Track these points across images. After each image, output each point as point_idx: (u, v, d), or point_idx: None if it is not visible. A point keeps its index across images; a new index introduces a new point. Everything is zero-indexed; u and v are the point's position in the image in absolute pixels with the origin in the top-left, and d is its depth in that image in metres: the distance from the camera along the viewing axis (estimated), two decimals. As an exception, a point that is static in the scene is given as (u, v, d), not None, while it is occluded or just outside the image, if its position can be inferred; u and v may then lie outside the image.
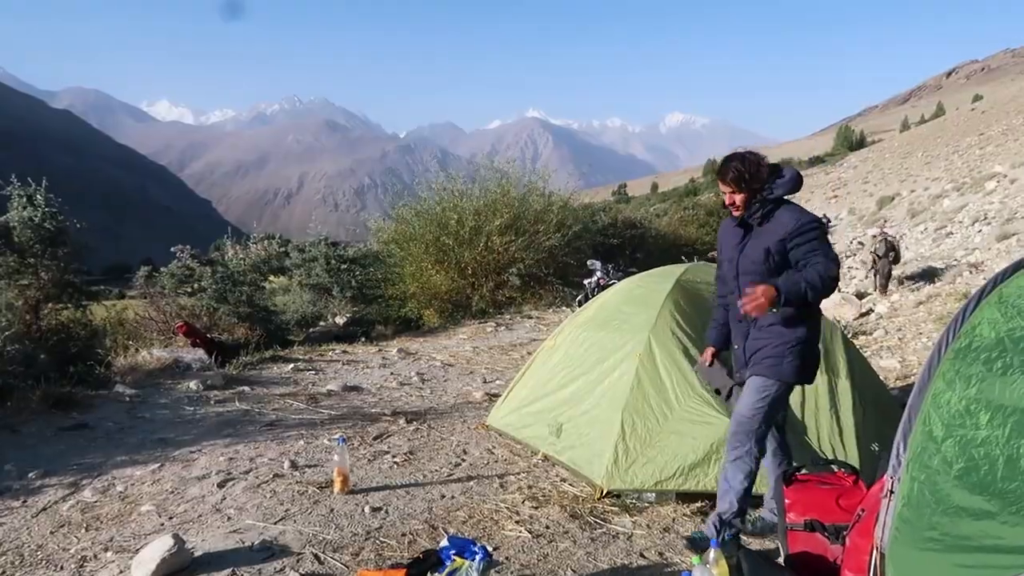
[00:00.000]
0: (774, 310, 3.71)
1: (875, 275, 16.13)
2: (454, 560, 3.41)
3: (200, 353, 9.74)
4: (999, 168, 33.37)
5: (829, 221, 41.90)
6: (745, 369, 4.01)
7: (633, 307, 5.89)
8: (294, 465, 5.40)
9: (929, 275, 16.50)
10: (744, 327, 4.04)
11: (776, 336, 3.88)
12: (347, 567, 3.82)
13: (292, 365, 9.47)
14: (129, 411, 6.99)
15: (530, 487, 5.03)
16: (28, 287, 9.61)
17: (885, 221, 29.43)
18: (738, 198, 3.90)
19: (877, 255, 16.08)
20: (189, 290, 13.44)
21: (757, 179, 3.86)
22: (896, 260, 16.31)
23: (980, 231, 21.74)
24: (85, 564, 3.90)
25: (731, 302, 4.08)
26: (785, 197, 3.98)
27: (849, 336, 8.34)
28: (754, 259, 3.90)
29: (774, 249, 3.82)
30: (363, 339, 12.79)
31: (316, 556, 3.94)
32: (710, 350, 4.38)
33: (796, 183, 3.93)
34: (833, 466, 3.94)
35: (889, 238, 16.29)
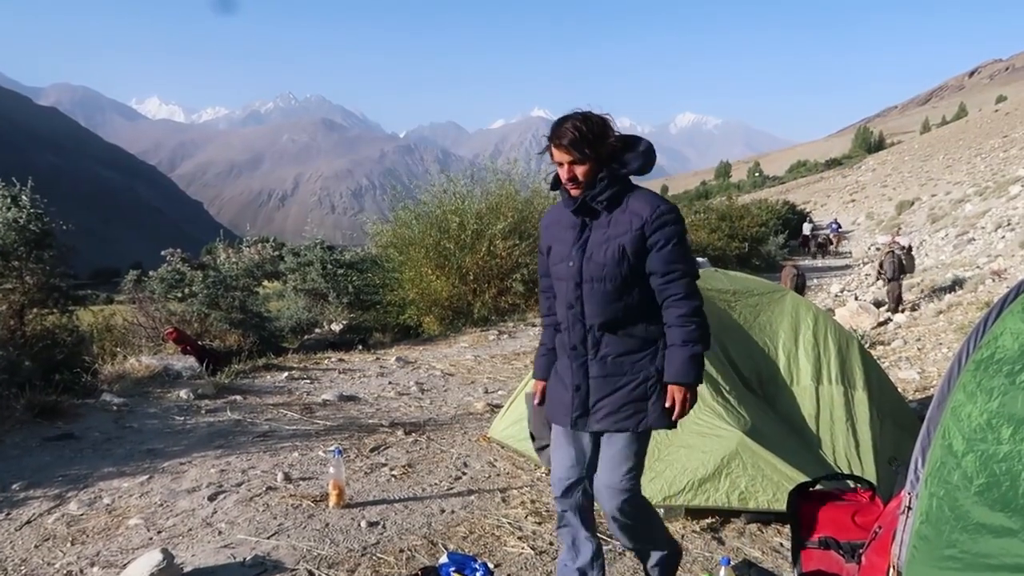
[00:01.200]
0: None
1: (886, 295, 15.66)
2: (454, 577, 3.41)
3: (191, 361, 9.75)
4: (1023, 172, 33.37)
5: (839, 227, 41.90)
6: (587, 418, 3.18)
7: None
8: (288, 478, 5.40)
9: (950, 283, 16.47)
10: (582, 359, 3.18)
11: (632, 370, 3.12)
12: (342, 584, 3.82)
13: (286, 374, 9.48)
14: (117, 421, 7.00)
15: (533, 502, 5.03)
16: (12, 291, 9.63)
17: (899, 228, 29.39)
18: (579, 170, 3.06)
19: (885, 277, 15.42)
20: (179, 295, 13.44)
21: (604, 144, 3.06)
22: (907, 270, 15.85)
23: (1003, 237, 21.70)
24: (70, 579, 3.91)
25: (569, 321, 3.20)
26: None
27: (866, 346, 8.35)
28: (603, 261, 3.09)
29: (630, 248, 3.05)
30: (360, 347, 12.80)
31: (310, 572, 3.94)
32: (540, 385, 3.50)
33: (650, 158, 3.16)
34: (849, 481, 3.93)
35: (898, 252, 15.56)
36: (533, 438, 3.88)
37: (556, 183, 3.20)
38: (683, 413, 3.10)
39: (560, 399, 3.28)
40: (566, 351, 3.25)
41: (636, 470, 3.18)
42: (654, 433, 4.90)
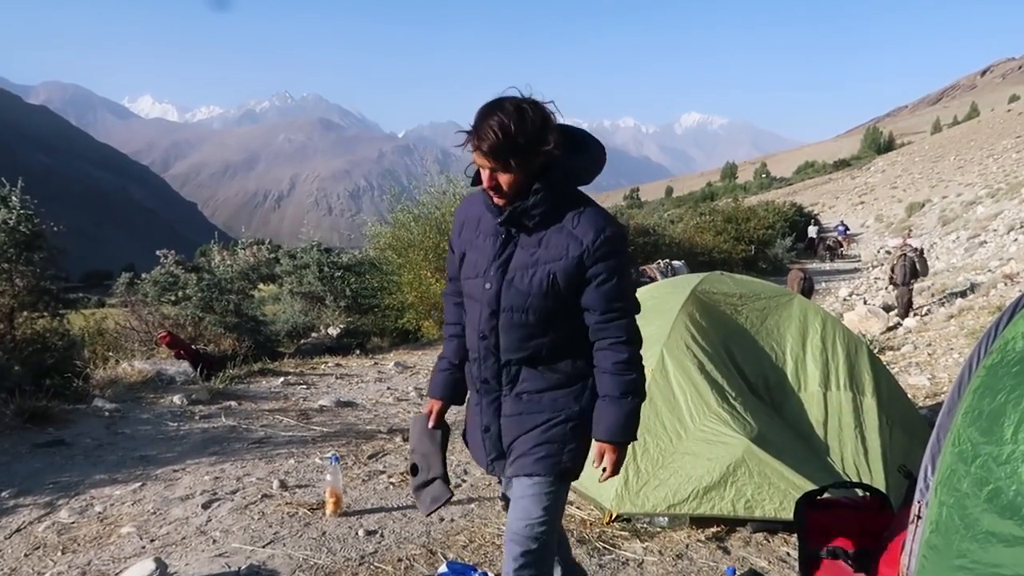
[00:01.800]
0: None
1: (895, 299, 15.58)
2: (453, 587, 3.40)
3: (184, 365, 9.77)
4: (1037, 173, 33.39)
5: (847, 230, 41.90)
6: (502, 461, 2.80)
7: (645, 319, 5.83)
8: (284, 485, 5.41)
9: (961, 287, 16.47)
10: (494, 395, 2.77)
11: (552, 407, 2.72)
12: (339, 594, 3.83)
13: (282, 379, 9.49)
14: (108, 427, 7.01)
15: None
16: (1, 294, 9.63)
17: (910, 231, 29.38)
18: (504, 179, 2.53)
19: (895, 281, 15.32)
20: (173, 298, 13.47)
21: (539, 149, 2.48)
22: (920, 273, 15.74)
23: (1016, 240, 21.71)
24: (61, 589, 3.91)
25: (481, 352, 2.76)
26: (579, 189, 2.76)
27: (875, 351, 8.35)
28: (527, 289, 2.62)
29: (563, 278, 2.59)
30: (358, 351, 12.82)
31: (307, 582, 3.94)
32: (435, 404, 3.00)
33: (599, 164, 2.71)
34: (858, 489, 3.94)
35: (910, 255, 15.44)
36: (414, 471, 2.98)
37: (478, 178, 2.65)
38: (614, 474, 2.72)
39: (475, 439, 2.90)
40: (475, 384, 2.83)
41: (549, 521, 2.71)
42: (658, 440, 4.97)
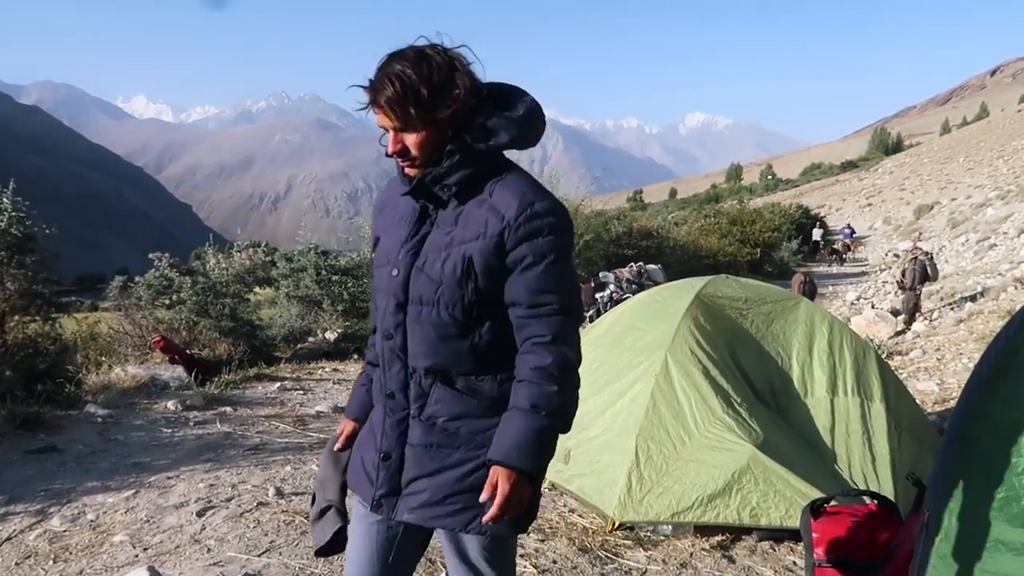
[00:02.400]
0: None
1: (901, 304, 15.44)
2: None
3: (179, 371, 9.76)
4: (1048, 174, 33.41)
5: (854, 232, 41.91)
6: (395, 499, 2.28)
7: (648, 323, 5.91)
8: (280, 492, 5.40)
9: (970, 291, 16.47)
10: (400, 414, 2.29)
11: (471, 443, 2.23)
12: (336, 604, 3.82)
13: (278, 384, 9.49)
14: (101, 433, 7.01)
15: (536, 518, 5.03)
16: (-7, 298, 9.63)
17: (921, 234, 29.38)
18: (410, 139, 2.14)
19: (904, 285, 15.15)
20: (167, 302, 13.44)
21: (447, 101, 2.08)
22: (930, 278, 15.59)
23: (1027, 243, 21.72)
24: (53, 598, 3.91)
25: (386, 356, 2.31)
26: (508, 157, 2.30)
27: (883, 356, 8.35)
28: (439, 276, 2.18)
29: (481, 261, 2.15)
30: (356, 356, 12.80)
31: (303, 591, 3.94)
32: (347, 425, 2.54)
33: (531, 124, 2.21)
34: (865, 497, 3.94)
35: (921, 258, 15.25)
36: (313, 500, 2.58)
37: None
38: (505, 512, 2.07)
39: (365, 462, 2.37)
40: (380, 397, 2.35)
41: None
42: (661, 447, 4.96)
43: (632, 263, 15.04)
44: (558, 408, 2.13)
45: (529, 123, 2.19)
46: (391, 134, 2.15)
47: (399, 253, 2.26)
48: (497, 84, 2.23)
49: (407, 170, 2.22)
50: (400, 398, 2.27)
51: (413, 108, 2.05)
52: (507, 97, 2.21)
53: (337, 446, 2.52)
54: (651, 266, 14.86)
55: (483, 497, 2.08)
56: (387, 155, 2.21)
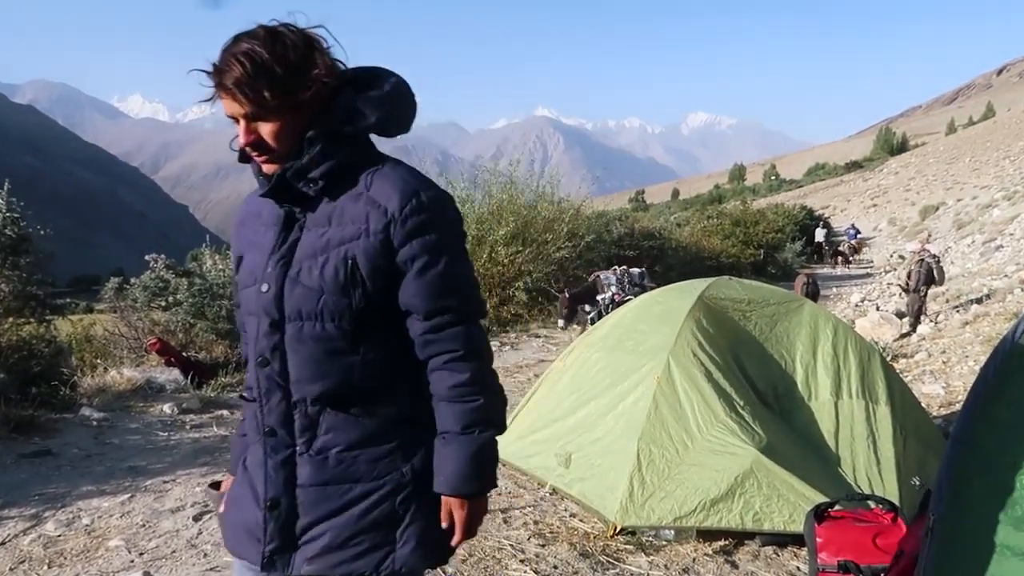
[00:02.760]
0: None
1: (906, 306, 15.30)
2: (452, 602, 3.37)
3: (175, 373, 9.76)
4: (1055, 175, 33.43)
5: (859, 233, 41.93)
6: (289, 554, 1.99)
7: (651, 325, 5.91)
8: (277, 497, 5.39)
9: (976, 293, 16.46)
10: (284, 452, 1.99)
11: (371, 474, 1.97)
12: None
13: (275, 387, 9.48)
14: (96, 436, 7.01)
15: (536, 523, 5.04)
16: (-13, 300, 9.64)
17: (929, 235, 29.35)
18: (266, 129, 1.89)
19: (908, 287, 14.97)
20: (163, 304, 13.44)
21: (304, 80, 1.86)
22: (935, 281, 15.44)
23: (1034, 244, 21.72)
24: (47, 604, 3.91)
25: (262, 387, 2.00)
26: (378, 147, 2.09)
27: (888, 359, 8.35)
28: (318, 284, 1.93)
29: (366, 263, 1.91)
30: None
31: (301, 597, 3.94)
32: (227, 482, 2.25)
33: (399, 104, 2.01)
34: (870, 502, 3.94)
35: (928, 260, 15.08)
36: None
37: (245, 153, 1.99)
38: (467, 536, 2.02)
39: (245, 518, 2.05)
40: (258, 436, 2.02)
41: None
42: (664, 451, 4.96)
43: (616, 266, 14.80)
44: (488, 419, 2.01)
45: (397, 102, 2.00)
46: (241, 124, 1.89)
47: (267, 266, 1.99)
48: (359, 67, 2.02)
49: (264, 167, 1.97)
50: (283, 434, 1.98)
51: (267, 90, 1.82)
52: (371, 78, 1.99)
53: (221, 509, 2.18)
54: (635, 270, 14.57)
55: (445, 526, 1.99)
56: (238, 150, 1.97)
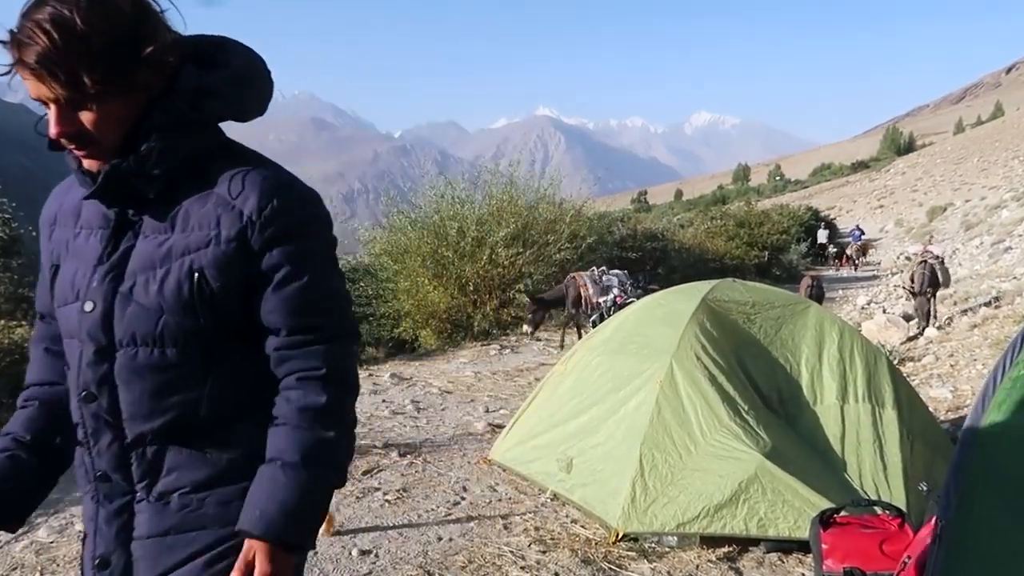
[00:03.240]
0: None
1: (914, 310, 15.26)
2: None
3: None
4: (1064, 175, 33.44)
5: (863, 234, 41.94)
6: None
7: (653, 328, 5.91)
8: (273, 502, 5.40)
9: (985, 295, 16.46)
10: (119, 500, 1.67)
11: (220, 520, 1.66)
12: (332, 617, 3.83)
13: (272, 391, 9.49)
14: (90, 441, 7.01)
15: (537, 529, 5.04)
16: (-22, 302, 9.65)
17: (931, 237, 29.33)
18: (87, 117, 1.54)
19: (913, 290, 14.90)
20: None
21: (134, 55, 1.53)
22: (941, 284, 15.36)
23: (1043, 246, 21.72)
24: (39, 611, 3.91)
25: (89, 425, 1.67)
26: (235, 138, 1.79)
27: (895, 362, 8.35)
28: (158, 303, 1.61)
29: (216, 275, 1.62)
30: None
31: (297, 604, 3.94)
32: None
33: (253, 83, 1.71)
34: (876, 507, 3.94)
35: (931, 262, 15.00)
36: None
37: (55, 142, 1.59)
38: None
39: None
40: (87, 483, 1.70)
41: None
42: (667, 456, 4.96)
43: (594, 267, 14.70)
44: (335, 462, 1.68)
45: (251, 82, 1.69)
46: (53, 110, 1.52)
47: (91, 280, 1.64)
48: (202, 36, 1.70)
49: (85, 162, 1.62)
50: (118, 479, 1.65)
51: (85, 72, 1.46)
52: (218, 52, 1.67)
53: None
54: (616, 271, 14.47)
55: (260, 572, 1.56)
56: (49, 139, 1.58)
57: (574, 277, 14.08)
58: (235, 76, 1.64)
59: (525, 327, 14.58)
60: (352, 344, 1.78)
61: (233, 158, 1.68)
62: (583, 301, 13.65)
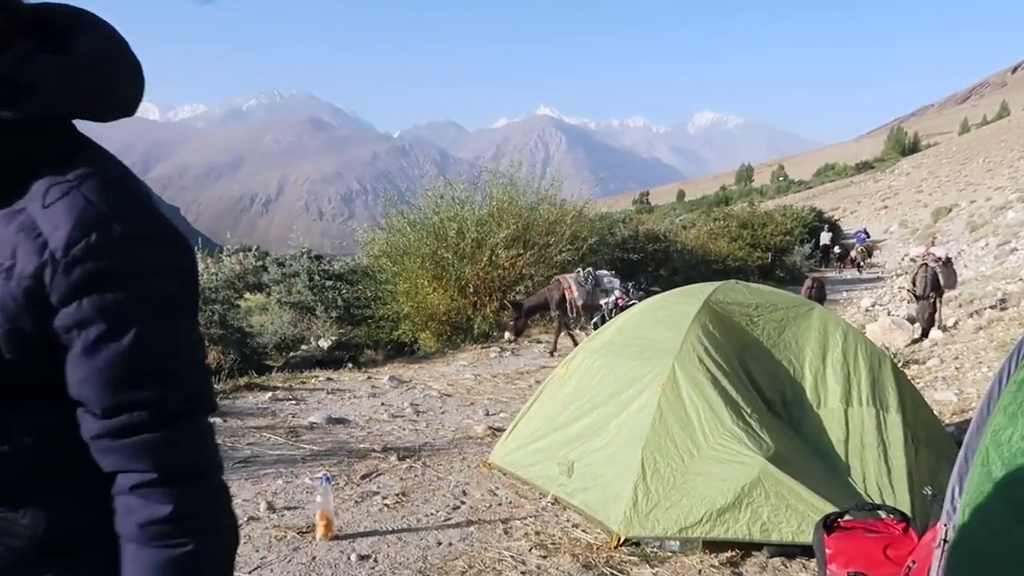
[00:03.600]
0: None
1: (917, 313, 15.15)
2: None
3: (166, 380, 9.76)
4: (1071, 176, 33.43)
5: (868, 236, 41.89)
6: None
7: (655, 331, 5.91)
8: (271, 507, 5.41)
9: (990, 297, 16.45)
10: None
11: None
12: (331, 622, 3.83)
13: (270, 394, 9.48)
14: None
15: (538, 533, 5.04)
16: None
17: (934, 239, 29.28)
18: None
19: (915, 293, 14.77)
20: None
21: None
22: (945, 286, 15.24)
23: (1050, 247, 21.72)
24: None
25: None
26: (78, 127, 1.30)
27: (900, 365, 8.35)
28: None
29: (4, 325, 1.15)
30: (350, 365, 12.80)
31: (296, 609, 3.95)
32: None
33: (103, 73, 1.22)
34: (881, 512, 3.94)
35: (932, 264, 14.84)
36: None
37: None
38: None
39: None
40: None
41: None
42: (669, 459, 4.96)
43: (580, 268, 14.65)
44: (202, 570, 1.27)
45: (99, 74, 1.22)
46: None
47: None
48: (52, 5, 1.25)
49: None
50: None
51: None
52: (63, 26, 1.23)
53: None
54: (603, 272, 14.41)
55: None
56: None
57: (558, 280, 14.04)
58: (72, 66, 1.17)
59: (507, 334, 14.59)
60: (200, 418, 1.31)
61: (66, 168, 1.20)
62: (568, 304, 13.64)
